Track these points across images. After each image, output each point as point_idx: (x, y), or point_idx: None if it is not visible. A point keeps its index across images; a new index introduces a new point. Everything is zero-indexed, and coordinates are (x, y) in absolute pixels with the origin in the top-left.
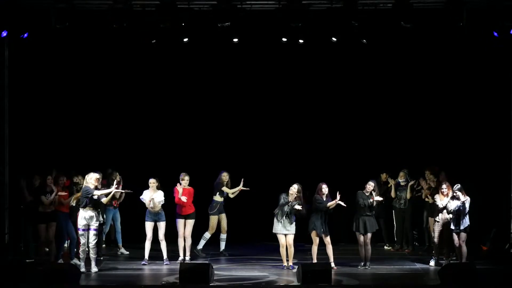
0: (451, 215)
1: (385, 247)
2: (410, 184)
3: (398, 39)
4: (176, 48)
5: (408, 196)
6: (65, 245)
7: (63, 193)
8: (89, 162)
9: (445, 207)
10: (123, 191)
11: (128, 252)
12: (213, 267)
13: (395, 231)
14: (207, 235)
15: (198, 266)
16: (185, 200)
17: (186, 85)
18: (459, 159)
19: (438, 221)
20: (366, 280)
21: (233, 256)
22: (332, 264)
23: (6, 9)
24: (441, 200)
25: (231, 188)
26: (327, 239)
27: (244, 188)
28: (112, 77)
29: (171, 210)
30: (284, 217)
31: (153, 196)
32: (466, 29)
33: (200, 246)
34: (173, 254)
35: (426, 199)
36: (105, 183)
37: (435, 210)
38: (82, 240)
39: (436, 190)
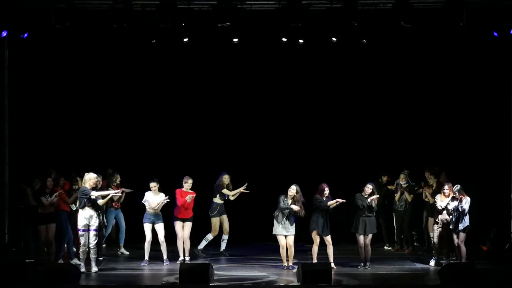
0: (450, 216)
1: (385, 248)
2: (408, 187)
3: (398, 39)
4: (176, 48)
5: (410, 199)
6: (65, 245)
7: (63, 194)
8: (89, 162)
9: (444, 208)
10: (119, 192)
11: (128, 252)
12: (213, 267)
13: (395, 231)
14: (210, 236)
15: (198, 266)
16: (189, 201)
17: (186, 85)
18: (459, 159)
19: (438, 221)
20: (366, 280)
21: (233, 256)
22: (332, 264)
23: (6, 9)
24: (441, 201)
25: (232, 190)
26: (328, 239)
27: (245, 191)
28: (112, 77)
29: (168, 212)
30: (284, 219)
31: (156, 199)
32: (466, 29)
33: (200, 246)
34: (173, 254)
35: (426, 199)
36: (105, 184)
37: (435, 210)
38: (82, 240)
39: (437, 190)
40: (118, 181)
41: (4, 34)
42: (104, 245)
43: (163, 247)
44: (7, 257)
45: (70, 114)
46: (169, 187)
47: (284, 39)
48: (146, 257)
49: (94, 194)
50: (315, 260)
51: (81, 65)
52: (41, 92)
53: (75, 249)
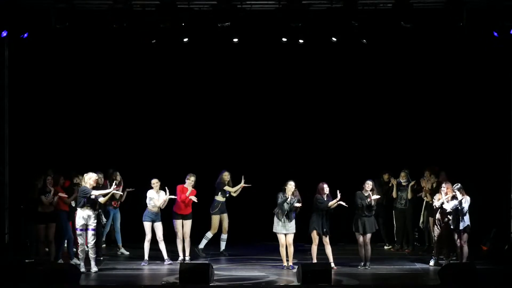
0: (445, 215)
1: (385, 247)
2: (410, 184)
3: (398, 39)
4: (176, 48)
5: (409, 196)
6: (65, 245)
7: (63, 195)
8: (90, 162)
9: (440, 207)
10: (119, 192)
11: (128, 252)
12: (213, 267)
13: (395, 231)
14: (209, 234)
15: (198, 266)
16: (195, 200)
17: (186, 85)
18: (459, 159)
19: (436, 222)
20: (366, 280)
21: (233, 256)
22: (332, 264)
23: (6, 9)
24: (438, 200)
25: (232, 187)
26: (326, 239)
27: (246, 185)
28: (112, 77)
29: (167, 210)
30: (284, 216)
31: (158, 196)
32: (466, 29)
33: (201, 246)
34: (173, 254)
35: (426, 199)
36: (106, 183)
37: (434, 210)
38: (81, 240)
39: (437, 190)
40: (118, 178)
41: (4, 34)
42: (104, 245)
43: (162, 246)
44: (7, 257)
45: (70, 114)
46: (170, 186)
47: (284, 39)
48: (146, 257)
49: (94, 193)
50: (315, 260)
51: (81, 65)
52: (41, 92)
53: (75, 249)
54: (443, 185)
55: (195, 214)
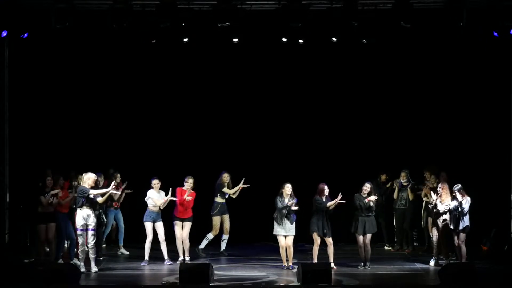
0: (446, 215)
1: (385, 247)
2: (409, 186)
3: (398, 39)
4: (176, 48)
5: (411, 198)
6: (65, 245)
7: (61, 194)
8: (90, 162)
9: (434, 207)
10: (117, 192)
11: (128, 252)
12: (213, 267)
13: (395, 231)
14: (210, 236)
15: (198, 266)
16: (190, 199)
17: (186, 85)
18: (459, 159)
19: (435, 222)
20: (366, 280)
21: (233, 256)
22: (332, 264)
23: (6, 9)
24: (433, 200)
25: (232, 188)
26: (329, 240)
27: (244, 186)
28: (112, 77)
29: (168, 211)
30: (284, 219)
31: (158, 196)
32: (466, 29)
33: (201, 246)
34: (173, 254)
35: (426, 199)
36: (106, 183)
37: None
38: (80, 240)
39: (436, 190)
40: (118, 179)
41: (4, 34)
42: (104, 245)
43: (163, 246)
44: (7, 257)
45: (70, 114)
46: (170, 187)
47: (284, 39)
48: (146, 257)
49: (92, 192)
50: (315, 261)
51: (81, 65)
52: (41, 92)
53: (75, 250)
54: (439, 185)
55: (196, 215)
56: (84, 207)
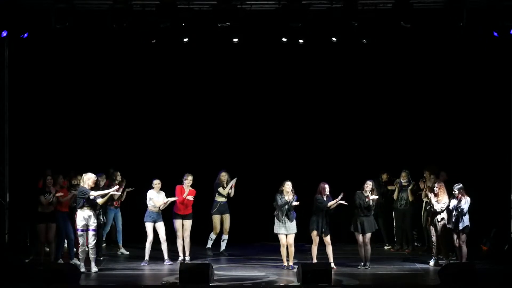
0: (443, 214)
1: (385, 247)
2: (409, 188)
3: (398, 39)
4: (176, 48)
5: (410, 198)
6: (65, 245)
7: (60, 193)
8: (90, 162)
9: (432, 207)
10: (117, 192)
11: (128, 252)
12: (213, 267)
13: (395, 231)
14: (212, 235)
15: (198, 266)
16: (191, 199)
17: (186, 85)
18: (459, 159)
19: (433, 221)
20: (366, 280)
21: (233, 256)
22: (332, 264)
23: (6, 9)
24: (430, 199)
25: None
26: (327, 239)
27: (234, 182)
28: (112, 77)
29: (168, 210)
30: (285, 217)
31: (158, 197)
32: (466, 29)
33: (208, 245)
34: (173, 254)
35: (426, 199)
36: (107, 183)
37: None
38: (81, 240)
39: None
40: (118, 178)
41: (4, 34)
42: (104, 245)
43: (164, 246)
44: (7, 257)
45: (70, 114)
46: (170, 185)
47: (284, 39)
48: (147, 257)
49: (93, 194)
50: (315, 260)
51: (81, 65)
52: (41, 92)
53: (75, 250)
54: (436, 185)
55: (196, 215)
56: (85, 208)
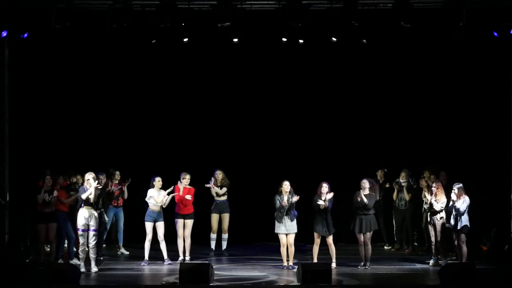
0: (442, 213)
1: (385, 247)
2: (405, 187)
3: (398, 39)
4: (176, 48)
5: (407, 198)
6: (65, 245)
7: (56, 194)
8: (90, 161)
9: (430, 207)
10: (99, 186)
11: (128, 252)
12: (213, 267)
13: (395, 231)
14: (212, 235)
15: (198, 266)
16: (189, 198)
17: (186, 85)
18: (459, 159)
19: (431, 221)
20: (366, 280)
21: (233, 256)
22: (333, 265)
23: (6, 9)
24: (429, 199)
25: (227, 186)
26: (329, 240)
27: (207, 185)
28: (112, 77)
29: (169, 210)
30: (285, 217)
31: (158, 194)
32: (466, 29)
33: (212, 247)
34: (173, 254)
35: (425, 199)
36: (107, 182)
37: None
38: (81, 240)
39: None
40: (117, 177)
41: (4, 34)
42: (104, 245)
43: (163, 246)
44: (7, 257)
45: (70, 114)
46: (170, 184)
47: (284, 39)
48: (146, 257)
49: (83, 196)
50: (315, 260)
51: (81, 65)
52: (41, 92)
53: (75, 249)
54: (434, 184)
55: (196, 214)
56: (85, 208)
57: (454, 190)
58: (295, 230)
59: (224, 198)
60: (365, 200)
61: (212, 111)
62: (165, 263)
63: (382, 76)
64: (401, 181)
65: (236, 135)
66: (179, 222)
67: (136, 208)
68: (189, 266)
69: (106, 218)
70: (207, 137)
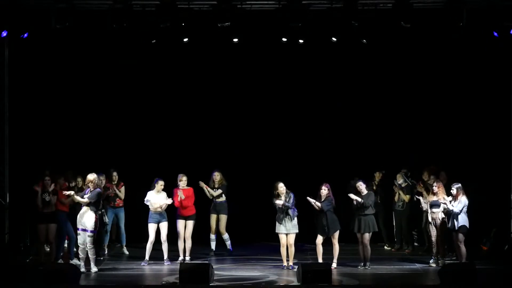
0: (443, 214)
1: (385, 247)
2: (402, 186)
3: (398, 39)
4: (176, 48)
5: (406, 199)
6: (65, 245)
7: (51, 193)
8: (90, 162)
9: (430, 207)
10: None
11: (128, 252)
12: (213, 267)
13: (394, 231)
14: (211, 235)
15: (198, 266)
16: (183, 197)
17: (186, 85)
18: (459, 159)
19: (430, 221)
20: (366, 280)
21: (233, 256)
22: (334, 265)
23: (6, 9)
24: (429, 200)
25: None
26: (333, 240)
27: (203, 185)
28: (112, 77)
29: (172, 211)
30: (285, 216)
31: (158, 199)
32: (466, 29)
33: (212, 247)
34: (173, 254)
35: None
36: (107, 183)
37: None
38: (80, 240)
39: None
40: (115, 178)
41: (4, 34)
42: (105, 245)
43: (165, 247)
44: (7, 257)
45: (70, 114)
46: (170, 185)
47: (284, 39)
48: (147, 257)
49: (77, 198)
50: (320, 260)
51: (81, 65)
52: (41, 92)
53: (75, 249)
54: (434, 184)
55: (197, 215)
56: (85, 208)
57: (452, 190)
58: (296, 231)
59: (223, 199)
60: (359, 200)
61: (212, 111)
62: (165, 263)
63: (382, 76)
64: (398, 182)
65: (236, 135)
66: (180, 223)
67: (136, 208)
68: (189, 266)
69: (107, 219)
70: (207, 137)
